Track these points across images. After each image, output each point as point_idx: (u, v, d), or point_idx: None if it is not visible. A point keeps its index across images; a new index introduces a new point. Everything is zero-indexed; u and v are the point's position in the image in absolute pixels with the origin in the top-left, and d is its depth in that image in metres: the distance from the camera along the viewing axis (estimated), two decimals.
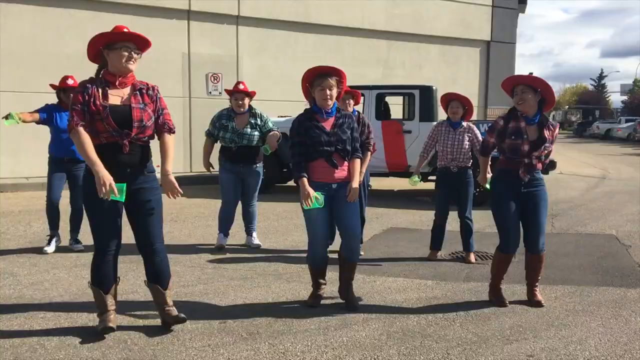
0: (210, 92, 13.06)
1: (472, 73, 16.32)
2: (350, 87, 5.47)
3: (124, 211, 3.62)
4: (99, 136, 3.43)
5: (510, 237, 4.34)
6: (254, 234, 6.51)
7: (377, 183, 11.31)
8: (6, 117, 5.48)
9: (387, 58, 14.99)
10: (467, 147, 5.77)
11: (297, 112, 12.40)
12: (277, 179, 11.02)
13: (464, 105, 5.78)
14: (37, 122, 5.79)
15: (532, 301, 4.37)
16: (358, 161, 4.30)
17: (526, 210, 4.33)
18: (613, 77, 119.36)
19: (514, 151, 4.21)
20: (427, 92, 9.97)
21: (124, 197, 3.40)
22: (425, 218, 8.17)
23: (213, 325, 3.88)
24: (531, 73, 4.35)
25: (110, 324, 3.57)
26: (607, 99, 71.93)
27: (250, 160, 6.20)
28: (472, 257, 5.84)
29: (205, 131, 6.40)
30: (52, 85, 5.96)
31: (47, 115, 5.78)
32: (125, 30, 3.47)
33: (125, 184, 3.40)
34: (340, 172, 4.20)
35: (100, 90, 3.44)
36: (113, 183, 3.30)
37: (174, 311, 3.73)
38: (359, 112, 6.11)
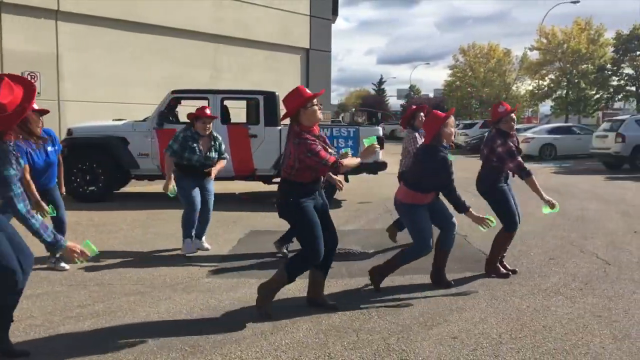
0: None
1: (295, 78, 17.08)
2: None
3: None
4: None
5: (517, 219, 5.47)
6: (204, 238, 6.72)
7: (222, 187, 11.35)
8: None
9: (215, 61, 15.03)
10: None
11: (127, 115, 11.99)
12: (114, 186, 10.54)
13: None
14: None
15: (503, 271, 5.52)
16: None
17: None
18: (390, 83, 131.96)
19: None
20: (270, 97, 10.31)
21: None
22: (280, 220, 8.47)
23: (149, 343, 3.78)
24: None
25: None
26: (387, 102, 79.47)
27: (209, 173, 6.58)
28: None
29: (170, 149, 6.31)
30: None
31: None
32: (308, 92, 4.33)
33: None
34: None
35: None
36: None
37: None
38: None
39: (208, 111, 6.46)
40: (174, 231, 7.78)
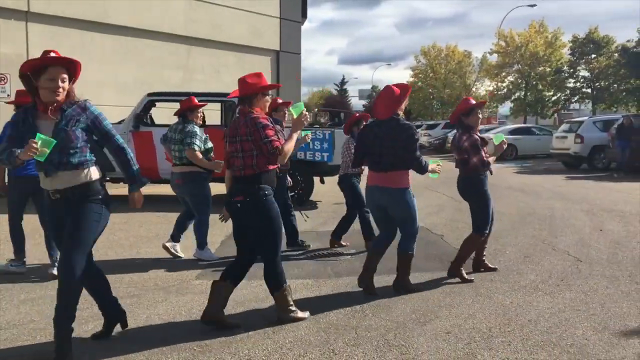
0: None
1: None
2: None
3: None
4: None
5: (489, 225, 5.71)
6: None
7: None
8: None
9: (187, 62, 15.01)
10: None
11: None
12: None
13: None
14: None
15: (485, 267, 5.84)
16: None
17: None
18: (352, 83, 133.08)
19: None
20: None
21: None
22: None
23: (156, 343, 3.88)
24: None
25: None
26: (349, 103, 79.91)
27: None
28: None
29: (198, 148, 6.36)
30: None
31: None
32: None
33: None
34: None
35: None
36: None
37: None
38: None
39: (197, 100, 6.53)
40: (155, 234, 7.84)
